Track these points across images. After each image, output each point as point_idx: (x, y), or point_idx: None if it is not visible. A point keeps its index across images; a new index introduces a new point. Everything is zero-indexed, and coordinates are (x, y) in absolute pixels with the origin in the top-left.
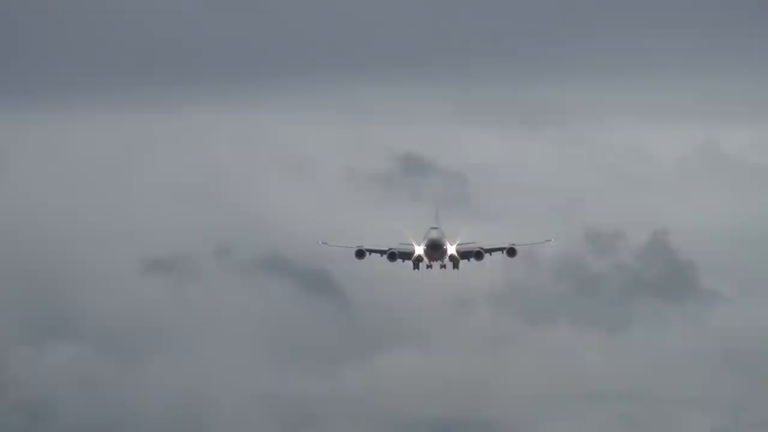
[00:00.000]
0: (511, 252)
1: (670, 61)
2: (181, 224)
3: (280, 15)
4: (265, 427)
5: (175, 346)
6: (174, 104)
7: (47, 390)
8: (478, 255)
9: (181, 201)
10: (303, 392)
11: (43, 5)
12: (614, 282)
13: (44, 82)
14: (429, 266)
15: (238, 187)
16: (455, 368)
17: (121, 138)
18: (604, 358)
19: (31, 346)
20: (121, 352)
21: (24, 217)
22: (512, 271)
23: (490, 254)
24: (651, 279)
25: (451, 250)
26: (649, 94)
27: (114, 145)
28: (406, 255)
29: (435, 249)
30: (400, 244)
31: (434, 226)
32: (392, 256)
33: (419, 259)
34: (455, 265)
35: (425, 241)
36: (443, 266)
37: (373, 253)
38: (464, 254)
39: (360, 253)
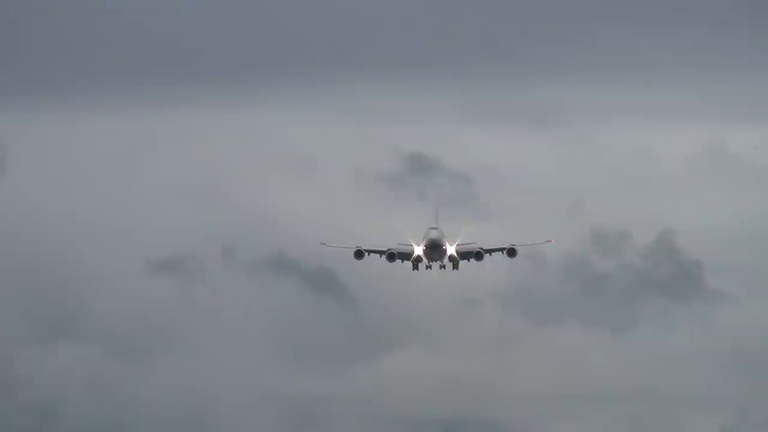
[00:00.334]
0: (512, 252)
1: (676, 61)
2: (187, 225)
3: (284, 15)
4: (269, 427)
5: (181, 346)
6: (179, 104)
7: (54, 390)
8: (478, 255)
9: (186, 201)
10: (308, 392)
11: (43, 5)
12: (620, 282)
13: (50, 82)
14: (428, 267)
15: (243, 188)
16: (460, 368)
17: (127, 138)
18: (610, 358)
19: (38, 346)
20: (127, 352)
21: (30, 217)
22: (518, 271)
23: (490, 255)
24: (657, 279)
25: (450, 250)
26: (655, 94)
27: (119, 146)
28: (406, 255)
29: (434, 249)
30: (400, 244)
31: (434, 226)
32: (391, 256)
33: (418, 259)
34: (455, 266)
35: (424, 242)
36: (443, 267)
37: (372, 254)
38: (464, 255)
39: (359, 254)
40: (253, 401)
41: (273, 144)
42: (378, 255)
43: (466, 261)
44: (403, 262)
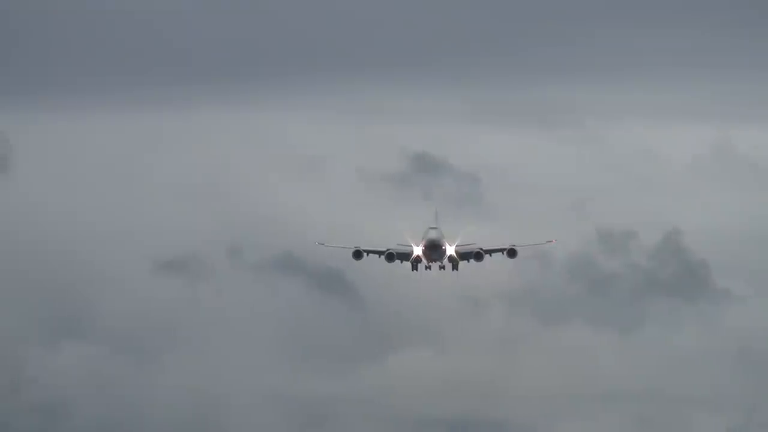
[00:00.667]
0: (512, 253)
1: (682, 61)
2: (193, 225)
3: (289, 15)
4: (274, 427)
5: (187, 346)
6: (184, 105)
7: (60, 390)
8: (478, 256)
9: (191, 202)
10: (314, 392)
11: (44, 5)
12: (626, 282)
13: (55, 82)
14: (428, 267)
15: (248, 188)
16: (466, 368)
17: (132, 139)
18: (616, 358)
19: (43, 346)
20: (133, 352)
21: (36, 218)
22: (524, 271)
23: (490, 255)
24: (664, 279)
25: (450, 250)
26: (661, 94)
27: (125, 146)
28: (405, 256)
29: (434, 249)
30: (399, 244)
31: (433, 226)
32: (390, 256)
33: (418, 259)
34: (454, 266)
35: (424, 242)
36: (442, 267)
37: (371, 254)
38: (464, 255)
39: (357, 254)
40: (259, 401)
41: (278, 144)
42: (377, 255)
43: (465, 262)
44: (402, 262)
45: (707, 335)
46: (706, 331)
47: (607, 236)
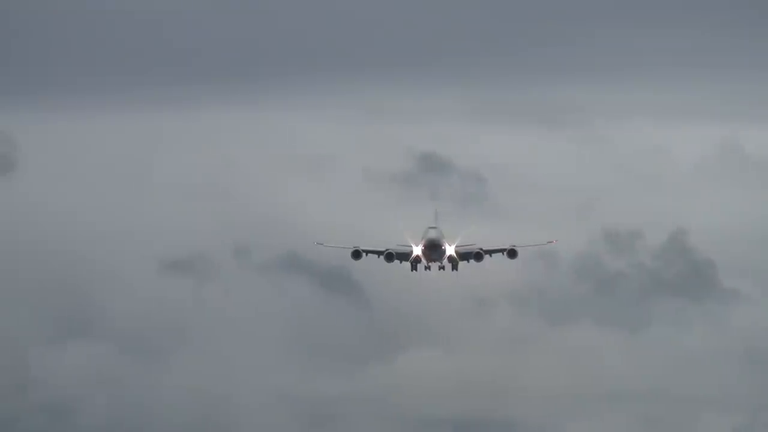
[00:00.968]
0: (512, 253)
1: (689, 61)
2: (199, 225)
3: (296, 14)
4: (280, 426)
5: (193, 346)
6: (190, 105)
7: (67, 390)
8: (478, 256)
9: (197, 202)
10: (320, 392)
11: (44, 5)
12: (633, 282)
13: (61, 82)
14: (427, 267)
15: (254, 188)
16: (472, 368)
17: (139, 139)
18: (622, 358)
19: (50, 346)
20: (140, 351)
21: (42, 218)
22: (530, 271)
23: (490, 256)
24: (670, 279)
25: (449, 250)
26: (667, 94)
27: (132, 146)
28: (404, 256)
29: (433, 249)
30: (399, 245)
31: (433, 225)
32: (389, 256)
33: (417, 259)
34: (454, 267)
35: (423, 242)
36: (442, 267)
37: (370, 254)
38: (464, 255)
39: (356, 254)
40: (265, 400)
41: (283, 144)
42: (376, 255)
43: (465, 262)
44: (401, 262)
45: (714, 335)
46: (713, 330)
47: (613, 236)
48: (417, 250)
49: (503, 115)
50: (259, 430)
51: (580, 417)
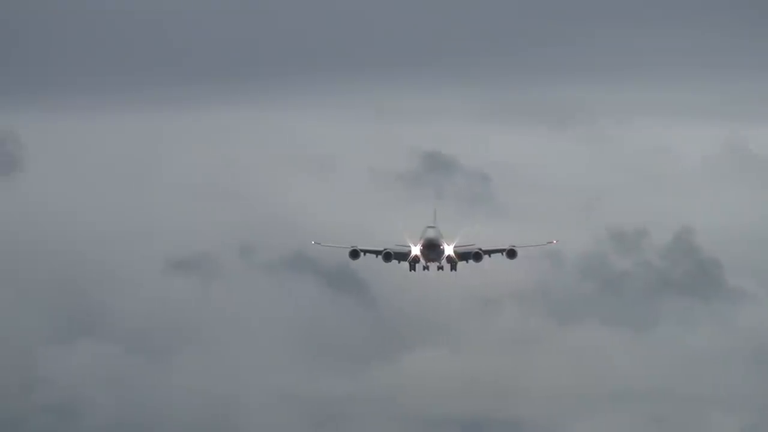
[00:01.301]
0: (511, 254)
1: (694, 61)
2: (203, 225)
3: (301, 14)
4: (286, 426)
5: (199, 346)
6: (196, 104)
7: (73, 390)
8: (477, 256)
9: (202, 201)
10: (326, 391)
11: (47, 6)
12: (638, 281)
13: (67, 82)
14: (426, 267)
15: (260, 187)
16: (478, 368)
17: (145, 138)
18: (628, 358)
19: (56, 346)
20: (146, 351)
21: (48, 218)
22: (536, 270)
23: (489, 256)
24: (676, 278)
25: (448, 250)
26: (674, 93)
27: (138, 146)
28: (402, 255)
29: (432, 249)
30: (397, 244)
31: (431, 225)
32: (387, 256)
33: (415, 259)
34: (453, 267)
35: (422, 241)
36: (440, 268)
37: (367, 254)
38: (463, 255)
39: (354, 254)
40: (270, 400)
41: (289, 144)
42: (374, 255)
43: (464, 262)
44: (399, 262)
45: (720, 334)
46: (719, 330)
47: (618, 235)
48: (415, 250)
49: (508, 114)
50: (262, 429)
51: (587, 416)
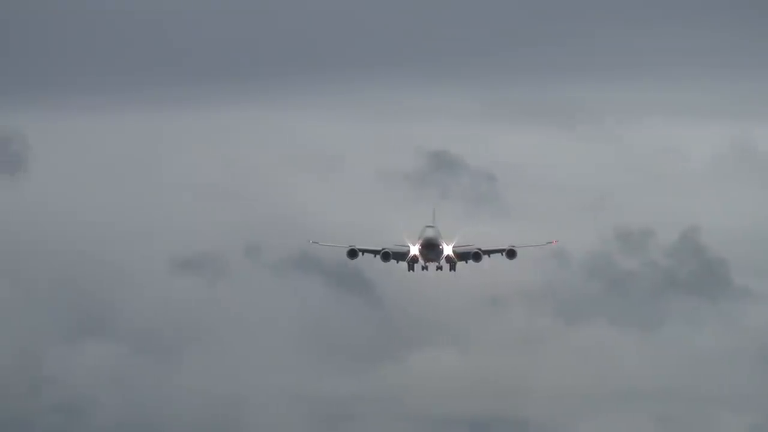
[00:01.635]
0: (511, 254)
1: (701, 60)
2: (209, 224)
3: (306, 13)
4: (291, 425)
5: (204, 345)
6: (202, 104)
7: (79, 389)
8: (476, 256)
9: (208, 201)
10: (331, 391)
11: (50, 6)
12: (645, 281)
13: (73, 82)
14: (424, 267)
15: (266, 187)
16: (485, 367)
17: (151, 138)
18: (634, 357)
19: (63, 345)
20: (152, 351)
21: (54, 217)
22: (542, 270)
23: (489, 256)
24: (683, 277)
25: (447, 250)
26: (680, 92)
27: (144, 145)
28: (401, 255)
29: (430, 249)
30: (395, 244)
31: (430, 224)
32: (386, 256)
33: (414, 259)
34: (452, 267)
35: (420, 241)
36: (439, 268)
37: (366, 254)
38: (462, 255)
39: (352, 253)
40: (273, 399)
41: (295, 144)
42: (372, 255)
43: (464, 262)
44: (398, 262)
45: (726, 334)
46: (726, 329)
47: (624, 235)
48: (414, 250)
49: (514, 114)
50: (264, 428)
51: (592, 416)
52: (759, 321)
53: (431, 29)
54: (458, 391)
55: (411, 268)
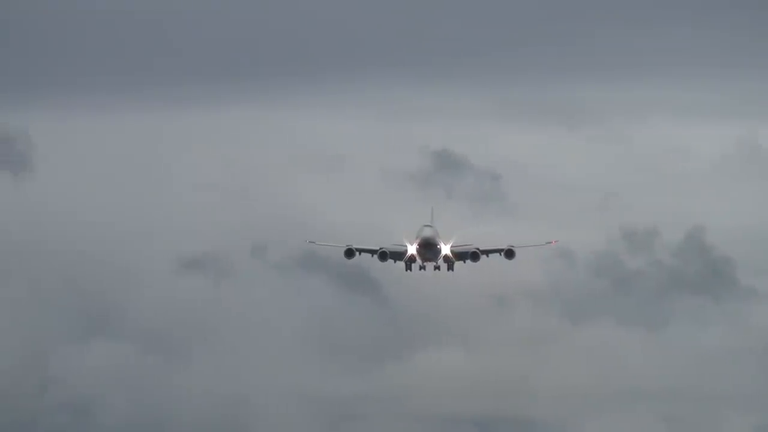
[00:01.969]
0: (509, 254)
1: (707, 60)
2: (215, 224)
3: (312, 13)
4: (296, 425)
5: (209, 345)
6: (208, 104)
7: (86, 389)
8: (474, 256)
9: (214, 201)
10: (335, 390)
11: (51, 6)
12: (651, 280)
13: (77, 82)
14: (422, 267)
15: (272, 187)
16: (490, 366)
17: (157, 138)
18: (641, 357)
19: (69, 345)
20: (158, 350)
21: (60, 217)
22: (548, 269)
23: (487, 256)
24: (688, 277)
25: (445, 250)
26: (686, 92)
27: (150, 145)
28: (398, 255)
29: (428, 248)
30: (393, 244)
31: (428, 224)
32: (383, 255)
33: (412, 259)
34: (450, 267)
35: (418, 240)
36: (437, 267)
37: (363, 253)
38: (460, 255)
39: (349, 253)
40: (280, 398)
41: (300, 143)
42: (369, 254)
43: (462, 262)
44: (395, 262)
45: (732, 333)
46: (731, 328)
47: (630, 235)
48: (411, 249)
49: (519, 113)
50: (266, 428)
51: (598, 415)
52: (765, 320)
53: (435, 29)
54: (459, 391)
55: (408, 267)
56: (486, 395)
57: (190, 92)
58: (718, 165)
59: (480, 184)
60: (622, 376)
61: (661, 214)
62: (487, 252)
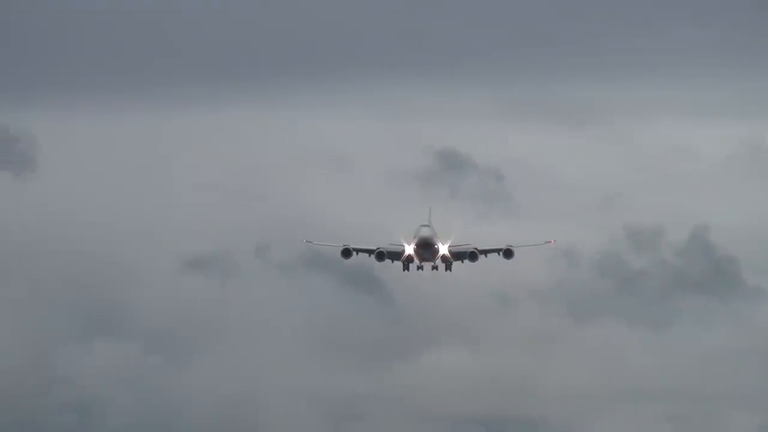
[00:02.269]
0: (508, 254)
1: (712, 60)
2: (219, 224)
3: (314, 13)
4: (299, 424)
5: (213, 344)
6: (212, 104)
7: (91, 389)
8: (473, 256)
9: (218, 201)
10: (338, 389)
11: (51, 6)
12: (655, 280)
13: (80, 83)
14: (420, 267)
15: (275, 186)
16: (495, 366)
17: (161, 138)
18: (645, 356)
19: (73, 344)
20: (162, 350)
21: (65, 217)
22: (552, 269)
23: (485, 256)
24: (693, 276)
25: (443, 250)
26: (690, 91)
27: (154, 145)
28: (396, 255)
29: (426, 248)
30: (390, 244)
31: (425, 223)
32: (380, 255)
33: (409, 259)
34: (448, 267)
35: (415, 240)
36: (435, 267)
37: (360, 253)
38: (458, 255)
39: (346, 253)
40: (283, 398)
41: (302, 143)
42: (366, 254)
43: (460, 262)
44: (393, 261)
45: (737, 332)
46: (736, 328)
47: (635, 234)
48: (409, 249)
49: (524, 113)
50: (268, 427)
51: (602, 415)
52: None
53: (437, 28)
54: (460, 391)
55: (406, 267)
56: (487, 395)
57: (191, 92)
58: (721, 164)
59: (483, 184)
60: (626, 376)
61: (664, 213)
62: (485, 252)
